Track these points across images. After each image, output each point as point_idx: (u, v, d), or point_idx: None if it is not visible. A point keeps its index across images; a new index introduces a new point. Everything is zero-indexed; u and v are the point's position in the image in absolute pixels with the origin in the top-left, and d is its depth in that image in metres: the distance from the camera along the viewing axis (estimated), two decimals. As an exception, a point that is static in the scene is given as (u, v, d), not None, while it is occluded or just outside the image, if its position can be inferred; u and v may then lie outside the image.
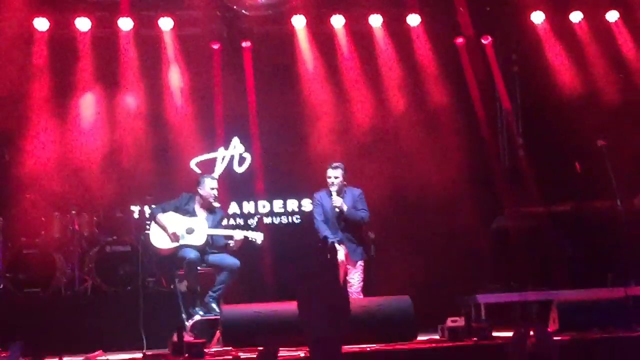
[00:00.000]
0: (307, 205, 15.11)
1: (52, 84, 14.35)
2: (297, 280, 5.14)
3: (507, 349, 5.58)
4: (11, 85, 13.85)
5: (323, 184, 11.80)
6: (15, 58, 13.95)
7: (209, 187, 11.72)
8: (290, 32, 15.08)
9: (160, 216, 11.53)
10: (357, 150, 14.77)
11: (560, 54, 15.28)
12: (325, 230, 11.42)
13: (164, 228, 11.45)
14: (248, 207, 15.22)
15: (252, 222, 15.09)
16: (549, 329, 10.34)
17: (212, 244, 11.55)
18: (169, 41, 14.84)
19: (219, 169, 15.14)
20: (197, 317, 11.25)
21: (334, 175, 11.50)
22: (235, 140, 15.29)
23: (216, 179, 12.02)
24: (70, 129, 14.46)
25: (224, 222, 12.42)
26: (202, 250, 11.41)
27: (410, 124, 15.04)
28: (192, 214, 11.61)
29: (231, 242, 11.46)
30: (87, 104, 14.57)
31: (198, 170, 14.96)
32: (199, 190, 11.72)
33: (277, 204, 15.30)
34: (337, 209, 11.38)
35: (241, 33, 15.09)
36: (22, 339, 9.26)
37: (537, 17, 15.29)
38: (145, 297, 11.99)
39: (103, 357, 10.54)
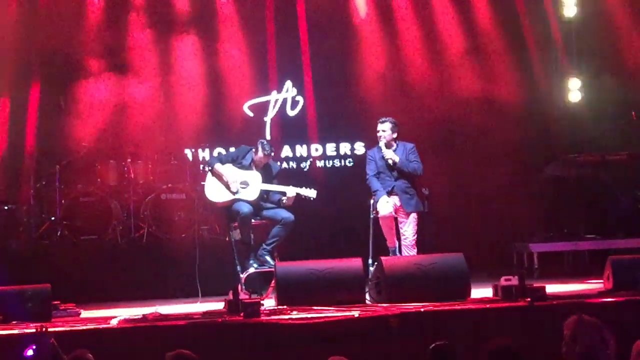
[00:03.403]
0: (359, 148, 15.10)
1: (107, 32, 14.47)
2: None
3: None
4: (67, 34, 14.01)
5: (375, 129, 11.76)
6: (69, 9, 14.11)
7: (266, 152, 11.67)
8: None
9: (218, 166, 11.60)
10: (409, 95, 14.78)
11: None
12: (375, 184, 11.45)
13: (220, 177, 11.51)
14: (301, 150, 15.23)
15: (305, 165, 15.16)
16: (603, 287, 10.27)
17: (266, 199, 11.59)
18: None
19: (272, 112, 15.16)
20: (251, 270, 11.35)
21: (382, 129, 11.58)
22: (288, 84, 15.25)
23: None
24: (124, 76, 14.43)
25: (278, 164, 12.47)
26: (256, 204, 11.45)
27: (463, 69, 14.90)
28: (248, 168, 11.62)
29: (284, 198, 11.50)
30: (140, 51, 14.57)
31: (251, 114, 15.00)
32: (256, 150, 11.72)
33: (330, 148, 15.29)
34: (389, 161, 11.41)
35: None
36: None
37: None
38: (200, 245, 12.21)
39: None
